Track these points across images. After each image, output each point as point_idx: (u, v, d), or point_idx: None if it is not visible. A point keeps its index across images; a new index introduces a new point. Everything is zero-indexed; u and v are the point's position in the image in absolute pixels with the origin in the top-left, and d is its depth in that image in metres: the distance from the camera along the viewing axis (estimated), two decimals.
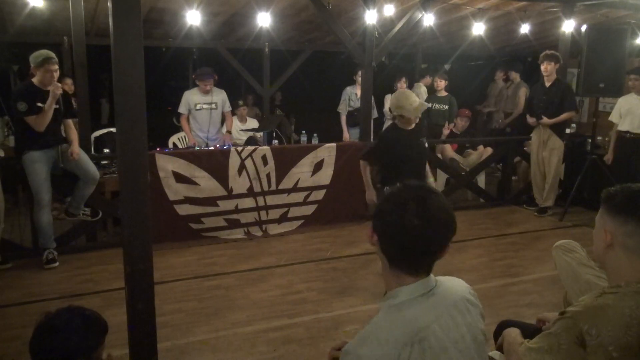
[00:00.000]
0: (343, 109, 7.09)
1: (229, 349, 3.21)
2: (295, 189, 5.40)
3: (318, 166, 5.47)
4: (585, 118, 7.79)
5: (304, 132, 6.31)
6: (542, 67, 5.82)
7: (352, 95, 7.00)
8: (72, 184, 4.60)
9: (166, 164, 4.84)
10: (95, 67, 6.32)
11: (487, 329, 1.53)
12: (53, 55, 4.26)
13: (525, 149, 6.76)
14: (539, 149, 6.06)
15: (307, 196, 5.48)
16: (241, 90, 9.77)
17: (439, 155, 6.75)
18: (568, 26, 6.25)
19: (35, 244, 4.59)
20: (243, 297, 3.94)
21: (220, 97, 5.91)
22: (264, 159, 5.22)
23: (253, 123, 6.81)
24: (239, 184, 5.15)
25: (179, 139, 6.65)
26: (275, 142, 5.89)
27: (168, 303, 3.78)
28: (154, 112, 6.09)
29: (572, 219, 5.95)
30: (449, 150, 6.88)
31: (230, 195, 5.13)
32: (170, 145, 6.53)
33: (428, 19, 5.87)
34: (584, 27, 6.00)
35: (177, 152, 5.09)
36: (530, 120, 6.09)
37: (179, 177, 4.90)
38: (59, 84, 4.30)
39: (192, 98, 5.83)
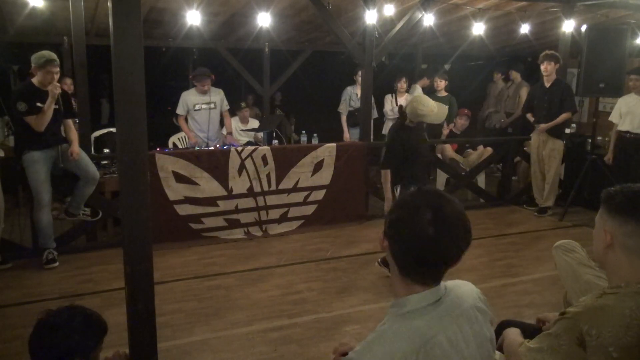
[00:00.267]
0: (343, 109, 7.09)
1: (229, 349, 3.21)
2: (295, 189, 5.40)
3: (318, 166, 5.47)
4: (585, 118, 7.79)
5: (304, 132, 6.31)
6: (542, 67, 5.82)
7: (353, 95, 7.00)
8: (72, 184, 4.60)
9: (166, 164, 4.84)
10: (95, 67, 6.31)
11: None
12: (55, 57, 4.26)
13: (525, 149, 6.76)
14: (539, 149, 6.06)
15: (307, 196, 5.48)
16: (241, 90, 9.76)
17: (439, 155, 6.75)
18: (568, 26, 6.25)
19: (35, 244, 4.58)
20: (243, 297, 3.94)
21: (218, 96, 5.92)
22: (264, 159, 5.22)
23: (253, 123, 6.81)
24: (239, 184, 5.15)
25: (179, 139, 6.65)
26: (275, 142, 5.89)
27: (168, 303, 3.78)
28: (154, 112, 6.11)
29: (572, 219, 5.95)
30: (449, 150, 6.88)
31: (230, 195, 5.13)
32: (170, 145, 6.53)
33: (428, 19, 5.88)
34: (584, 27, 6.01)
35: (177, 152, 5.09)
36: (531, 118, 6.11)
37: (179, 177, 4.90)
38: (58, 84, 4.30)
39: (190, 99, 5.83)
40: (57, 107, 4.34)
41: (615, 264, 1.65)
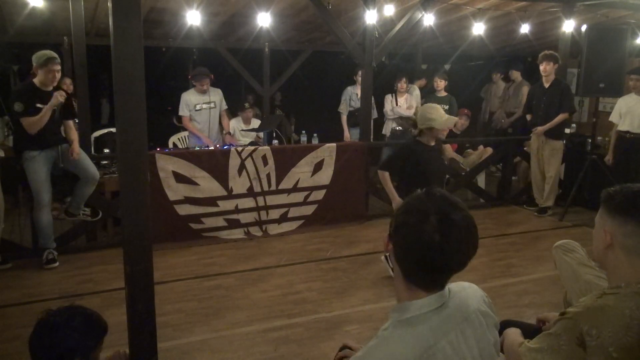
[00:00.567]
0: (344, 109, 7.09)
1: (229, 349, 3.21)
2: (295, 189, 5.40)
3: (318, 166, 5.47)
4: (585, 118, 7.79)
5: (304, 132, 6.31)
6: (541, 68, 5.82)
7: (353, 95, 7.00)
8: (72, 184, 4.60)
9: (166, 164, 4.84)
10: (95, 67, 6.31)
11: None
12: (56, 55, 4.26)
13: (525, 149, 6.76)
14: (539, 149, 6.06)
15: (307, 196, 5.48)
16: (241, 90, 9.76)
17: None
18: (568, 26, 6.25)
19: (35, 244, 4.58)
20: (243, 297, 3.94)
21: (217, 96, 5.94)
22: (264, 159, 5.22)
23: (254, 123, 6.81)
24: (239, 184, 5.15)
25: (179, 139, 6.65)
26: (275, 142, 5.89)
27: (168, 303, 3.78)
28: (154, 112, 6.10)
29: (572, 219, 5.95)
30: (449, 150, 6.88)
31: (230, 195, 5.13)
32: (170, 145, 6.53)
33: (428, 19, 5.88)
34: (584, 27, 6.00)
35: (177, 152, 5.09)
36: (530, 117, 6.11)
37: (179, 177, 4.90)
38: (63, 92, 4.30)
39: (191, 99, 5.83)
40: (56, 107, 4.34)
41: (615, 264, 1.65)
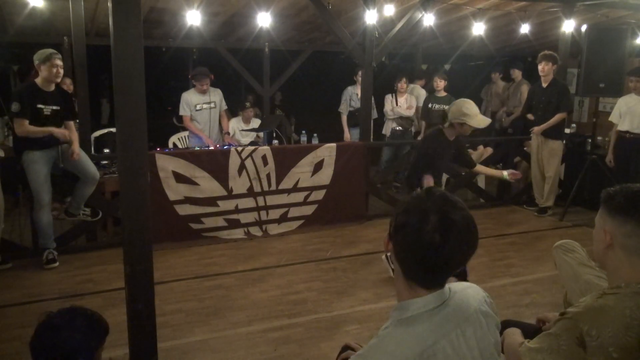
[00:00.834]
0: (344, 109, 7.09)
1: (229, 349, 3.21)
2: (295, 189, 5.40)
3: (318, 166, 5.47)
4: (585, 118, 7.79)
5: (304, 132, 6.30)
6: (540, 68, 5.83)
7: (353, 95, 7.00)
8: (72, 184, 4.60)
9: (166, 164, 4.84)
10: (95, 67, 6.30)
11: None
12: (57, 52, 4.27)
13: (525, 149, 6.76)
14: (539, 149, 6.07)
15: (307, 196, 5.48)
16: (241, 90, 9.76)
17: None
18: (568, 26, 6.25)
19: (35, 244, 4.59)
20: (243, 297, 3.94)
21: (217, 96, 5.95)
22: (264, 159, 5.22)
23: (254, 122, 6.81)
24: (239, 184, 5.15)
25: (179, 139, 6.65)
26: (275, 142, 5.89)
27: (168, 303, 3.78)
28: (154, 112, 6.11)
29: (572, 219, 5.95)
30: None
31: (230, 195, 5.13)
32: (170, 145, 6.53)
33: (428, 19, 5.87)
34: (584, 27, 6.01)
35: (177, 152, 5.09)
36: (532, 117, 6.11)
37: (179, 177, 4.90)
38: (67, 132, 4.33)
39: (191, 99, 5.84)
40: (57, 108, 4.34)
41: (615, 264, 1.65)
